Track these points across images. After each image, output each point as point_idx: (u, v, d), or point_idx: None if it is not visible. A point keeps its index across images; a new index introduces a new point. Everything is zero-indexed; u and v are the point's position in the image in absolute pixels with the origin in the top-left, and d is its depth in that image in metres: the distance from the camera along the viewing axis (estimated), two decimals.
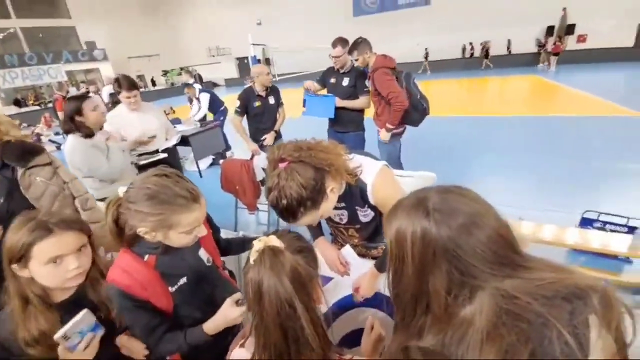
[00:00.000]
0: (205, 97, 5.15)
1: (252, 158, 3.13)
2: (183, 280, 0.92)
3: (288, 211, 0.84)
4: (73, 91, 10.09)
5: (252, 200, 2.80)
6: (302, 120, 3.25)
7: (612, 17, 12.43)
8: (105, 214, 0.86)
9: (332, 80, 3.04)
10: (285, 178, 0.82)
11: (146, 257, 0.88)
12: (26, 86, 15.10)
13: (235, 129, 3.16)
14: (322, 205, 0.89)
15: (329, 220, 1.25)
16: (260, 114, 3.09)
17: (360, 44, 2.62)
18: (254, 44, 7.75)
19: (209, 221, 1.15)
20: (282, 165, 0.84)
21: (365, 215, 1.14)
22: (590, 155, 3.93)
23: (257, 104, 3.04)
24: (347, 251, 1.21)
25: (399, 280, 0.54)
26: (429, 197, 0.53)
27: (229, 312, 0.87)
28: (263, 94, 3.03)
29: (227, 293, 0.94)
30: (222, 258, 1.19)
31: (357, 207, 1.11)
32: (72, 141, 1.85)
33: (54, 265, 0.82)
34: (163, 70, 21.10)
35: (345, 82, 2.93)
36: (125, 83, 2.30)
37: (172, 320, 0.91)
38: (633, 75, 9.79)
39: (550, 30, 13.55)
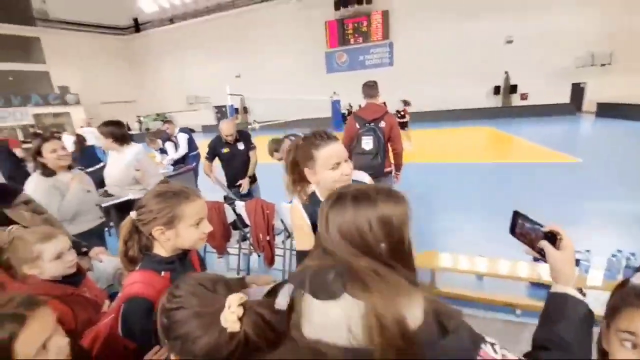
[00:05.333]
0: (183, 137, 5.25)
1: (226, 202, 3.15)
2: None
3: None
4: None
5: (222, 243, 2.74)
6: (275, 166, 3.40)
7: (548, 78, 14.55)
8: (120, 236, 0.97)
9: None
10: None
11: (162, 273, 0.93)
12: None
13: (205, 172, 3.36)
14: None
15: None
16: (229, 159, 3.27)
17: (365, 86, 2.96)
18: (231, 94, 8.13)
19: (199, 258, 1.21)
20: None
21: None
22: (540, 195, 4.33)
23: (224, 150, 3.24)
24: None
25: None
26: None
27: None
28: (230, 140, 3.22)
29: None
30: None
31: None
32: (32, 179, 1.91)
33: (43, 352, 0.72)
34: (137, 116, 21.16)
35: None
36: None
37: None
38: (572, 127, 11.23)
39: (497, 89, 15.49)
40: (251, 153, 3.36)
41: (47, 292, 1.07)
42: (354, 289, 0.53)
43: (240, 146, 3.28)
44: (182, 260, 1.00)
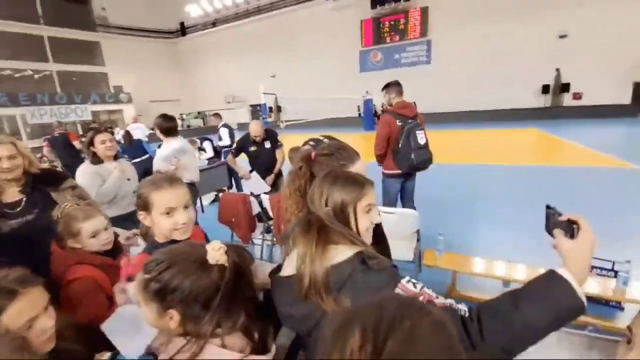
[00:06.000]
0: (224, 131, 5.65)
1: (252, 194, 3.31)
2: None
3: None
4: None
5: (247, 233, 2.88)
6: None
7: (606, 77, 13.17)
8: None
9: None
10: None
11: None
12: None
13: (229, 163, 3.73)
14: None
15: None
16: (256, 156, 3.46)
17: (391, 85, 2.98)
18: (265, 93, 8.40)
19: (206, 240, 1.29)
20: None
21: None
22: (586, 200, 3.99)
23: (252, 148, 3.43)
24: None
25: None
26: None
27: None
28: (258, 139, 3.40)
29: None
30: None
31: None
32: (82, 166, 2.19)
33: (28, 331, 0.73)
34: (180, 114, 22.57)
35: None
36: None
37: None
38: (632, 131, 10.08)
39: (546, 88, 14.34)
40: (278, 152, 3.51)
41: (90, 261, 1.23)
42: (299, 232, 0.79)
43: (267, 145, 3.46)
44: None
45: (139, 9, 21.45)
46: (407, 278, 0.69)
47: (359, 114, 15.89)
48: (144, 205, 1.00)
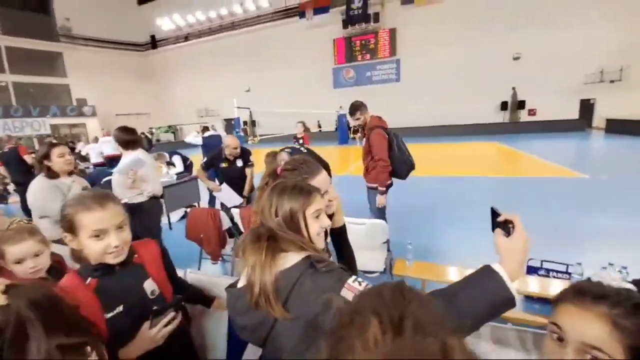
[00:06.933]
0: (199, 140, 5.74)
1: (223, 208, 3.21)
2: (119, 308, 0.91)
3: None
4: None
5: (216, 249, 2.78)
6: None
7: (556, 94, 14.48)
8: None
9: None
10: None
11: (88, 280, 0.89)
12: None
13: (199, 177, 3.64)
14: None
15: None
16: (226, 174, 3.39)
17: (361, 106, 3.02)
18: (238, 107, 8.35)
19: (163, 256, 1.13)
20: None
21: None
22: (542, 209, 4.27)
23: (223, 165, 3.36)
24: None
25: None
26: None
27: (143, 334, 0.88)
28: (230, 158, 3.35)
29: None
30: None
31: None
32: (36, 180, 2.03)
33: None
34: (150, 128, 21.79)
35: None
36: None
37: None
38: (581, 143, 11.06)
39: (504, 105, 15.48)
40: (247, 170, 3.45)
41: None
42: (248, 242, 0.80)
43: (239, 163, 3.40)
44: (112, 270, 0.93)
45: (106, 20, 20.82)
46: (354, 278, 0.73)
47: (319, 129, 16.35)
48: (69, 227, 0.88)
